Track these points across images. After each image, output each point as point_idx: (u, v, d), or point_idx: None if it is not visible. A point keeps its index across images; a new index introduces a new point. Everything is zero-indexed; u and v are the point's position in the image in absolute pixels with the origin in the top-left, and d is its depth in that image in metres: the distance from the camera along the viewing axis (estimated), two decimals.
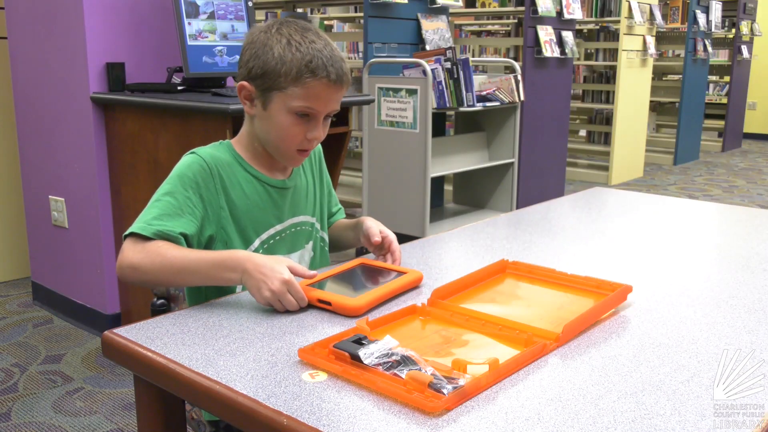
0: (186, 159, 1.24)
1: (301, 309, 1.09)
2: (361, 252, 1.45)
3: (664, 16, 7.38)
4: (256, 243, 1.28)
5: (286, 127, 1.22)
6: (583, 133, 7.71)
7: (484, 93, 3.82)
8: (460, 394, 0.81)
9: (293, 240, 1.34)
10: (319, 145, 1.45)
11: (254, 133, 1.29)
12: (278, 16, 4.58)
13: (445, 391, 0.80)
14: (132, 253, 1.14)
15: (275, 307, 1.07)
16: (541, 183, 4.96)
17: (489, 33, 8.36)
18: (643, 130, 6.66)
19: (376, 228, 1.32)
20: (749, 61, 8.58)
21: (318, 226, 1.41)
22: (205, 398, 0.87)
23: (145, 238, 1.15)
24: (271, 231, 1.30)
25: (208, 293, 1.26)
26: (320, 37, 1.21)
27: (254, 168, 1.29)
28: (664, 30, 7.53)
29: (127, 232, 1.17)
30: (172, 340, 0.98)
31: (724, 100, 8.87)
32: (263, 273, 1.06)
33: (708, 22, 7.34)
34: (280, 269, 1.06)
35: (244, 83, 1.24)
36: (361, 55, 7.37)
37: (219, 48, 2.55)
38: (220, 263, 1.10)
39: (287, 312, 1.08)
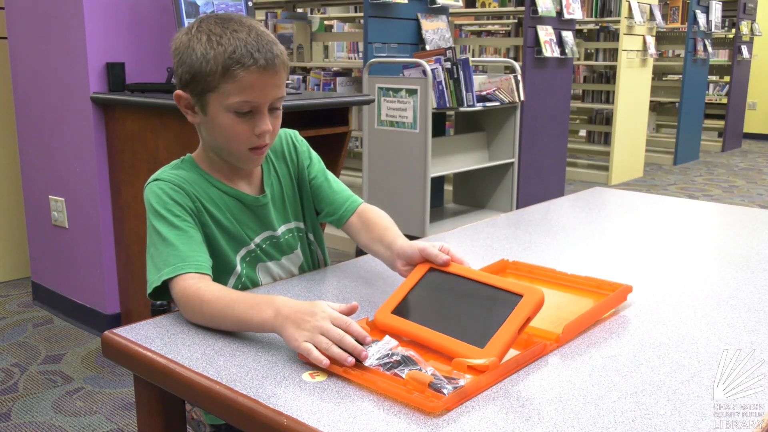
0: (150, 188, 1.17)
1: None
2: (361, 252, 1.43)
3: (664, 16, 7.37)
4: (243, 252, 1.24)
5: (229, 128, 1.14)
6: (583, 133, 7.70)
7: (484, 93, 3.82)
8: (460, 394, 0.81)
9: (278, 249, 1.29)
10: (292, 138, 1.35)
11: (205, 144, 1.23)
12: (278, 16, 4.57)
13: (445, 391, 0.80)
14: (184, 309, 1.06)
15: (316, 357, 0.88)
16: (541, 183, 4.96)
17: (489, 33, 8.36)
18: (643, 130, 6.66)
19: (432, 249, 1.08)
20: (749, 61, 8.58)
21: (304, 227, 1.35)
22: (205, 398, 0.87)
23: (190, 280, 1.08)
24: (251, 246, 1.25)
25: None
26: (243, 24, 1.13)
27: (224, 183, 1.23)
28: (664, 30, 7.53)
29: (158, 284, 1.08)
30: (172, 340, 0.98)
31: (724, 100, 8.86)
32: (302, 312, 0.92)
33: (708, 22, 7.34)
34: (321, 306, 0.93)
35: (179, 92, 1.18)
36: (361, 55, 7.37)
37: None
38: (255, 305, 0.98)
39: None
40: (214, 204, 1.21)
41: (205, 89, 1.14)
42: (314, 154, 1.38)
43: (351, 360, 0.87)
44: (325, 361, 0.87)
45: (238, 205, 1.24)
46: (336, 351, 0.88)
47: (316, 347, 0.88)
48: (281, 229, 1.30)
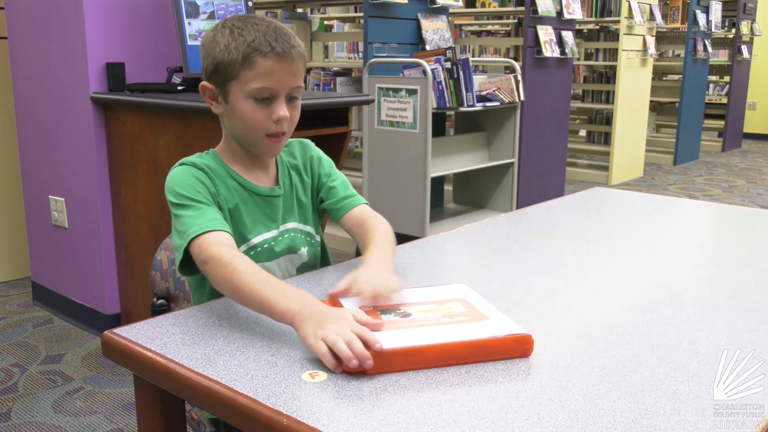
0: (176, 170, 1.25)
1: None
2: (361, 252, 1.43)
3: (664, 16, 7.37)
4: (243, 248, 1.27)
5: (248, 114, 1.21)
6: (583, 133, 7.70)
7: (484, 93, 3.82)
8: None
9: (283, 246, 1.32)
10: (308, 149, 1.40)
11: (228, 133, 1.30)
12: (278, 17, 4.57)
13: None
14: (214, 271, 1.09)
15: (329, 360, 0.89)
16: (541, 183, 4.96)
17: (489, 33, 8.36)
18: (643, 130, 6.66)
19: (364, 287, 1.06)
20: (749, 61, 8.58)
21: (312, 230, 1.38)
22: (205, 398, 0.87)
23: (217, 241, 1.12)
24: (257, 239, 1.28)
25: (211, 293, 1.25)
26: (264, 20, 1.22)
27: (240, 176, 1.29)
28: (664, 30, 7.53)
29: (186, 244, 1.14)
30: (172, 340, 0.98)
31: (724, 100, 8.86)
32: (326, 315, 0.94)
33: (708, 22, 7.33)
34: (347, 315, 0.94)
35: (205, 83, 1.25)
36: (361, 55, 7.36)
37: None
38: (285, 293, 1.00)
39: None
40: (229, 193, 1.27)
41: (227, 78, 1.21)
42: (326, 160, 1.40)
43: (355, 362, 0.87)
44: (338, 369, 0.88)
45: (252, 198, 1.29)
46: (343, 349, 0.87)
47: (327, 343, 0.89)
48: (287, 226, 1.33)
